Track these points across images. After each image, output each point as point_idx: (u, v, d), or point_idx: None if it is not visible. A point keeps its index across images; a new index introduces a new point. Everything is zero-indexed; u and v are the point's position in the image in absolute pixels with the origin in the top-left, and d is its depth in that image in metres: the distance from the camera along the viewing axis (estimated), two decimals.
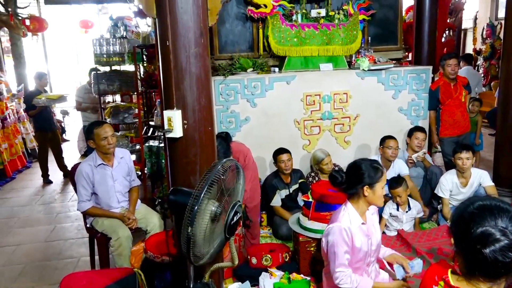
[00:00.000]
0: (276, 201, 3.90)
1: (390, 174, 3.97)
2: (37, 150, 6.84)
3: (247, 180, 3.47)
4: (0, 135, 6.39)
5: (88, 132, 3.26)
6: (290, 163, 3.90)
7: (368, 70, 4.31)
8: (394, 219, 3.66)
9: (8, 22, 7.72)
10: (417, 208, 3.69)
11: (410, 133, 4.29)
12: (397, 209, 3.61)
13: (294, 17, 4.24)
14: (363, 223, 2.34)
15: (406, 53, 5.40)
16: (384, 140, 4.03)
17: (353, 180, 2.31)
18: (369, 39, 4.57)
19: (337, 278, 2.27)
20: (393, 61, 4.52)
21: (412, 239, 3.34)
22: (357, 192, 2.31)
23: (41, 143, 6.38)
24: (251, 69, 4.18)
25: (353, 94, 4.35)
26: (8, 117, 6.76)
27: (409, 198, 3.67)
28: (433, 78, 4.69)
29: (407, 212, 3.61)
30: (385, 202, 3.63)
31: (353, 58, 4.48)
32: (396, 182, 3.61)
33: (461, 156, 3.67)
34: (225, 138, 3.37)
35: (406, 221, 3.62)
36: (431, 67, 4.60)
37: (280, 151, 3.92)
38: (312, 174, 4.12)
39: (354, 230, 2.28)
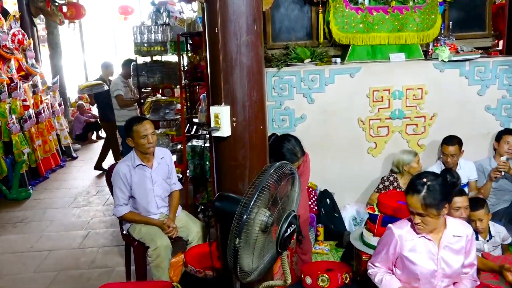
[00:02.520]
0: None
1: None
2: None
3: (303, 186, 3.47)
4: (34, 131, 6.78)
5: (127, 129, 3.38)
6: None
7: (449, 61, 4.16)
8: None
9: (44, 8, 8.20)
10: (501, 235, 3.45)
11: (499, 136, 4.11)
12: (477, 238, 3.40)
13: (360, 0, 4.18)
14: (426, 238, 2.38)
15: (496, 41, 5.17)
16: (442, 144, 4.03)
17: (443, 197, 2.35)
18: (450, 24, 4.41)
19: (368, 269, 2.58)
20: (480, 51, 4.34)
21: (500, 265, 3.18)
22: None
23: (107, 132, 7.07)
24: (309, 59, 4.16)
25: (429, 89, 4.22)
26: (42, 111, 7.17)
27: (491, 223, 3.46)
28: None
29: (488, 241, 3.42)
30: None
31: (431, 47, 4.34)
32: (475, 203, 3.41)
33: None
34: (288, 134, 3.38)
35: (488, 251, 3.43)
36: None
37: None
38: (391, 178, 4.02)
39: (409, 240, 2.40)
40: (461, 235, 2.42)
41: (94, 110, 10.38)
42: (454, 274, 2.41)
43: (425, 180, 2.34)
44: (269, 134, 3.50)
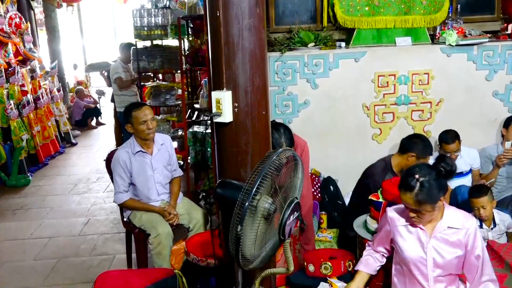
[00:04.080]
0: None
1: (461, 165, 3.94)
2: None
3: (305, 177, 3.46)
4: (32, 117, 6.79)
5: (126, 114, 3.38)
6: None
7: (456, 45, 4.13)
8: None
9: None
10: (506, 223, 3.44)
11: (507, 123, 4.09)
12: (481, 226, 3.41)
13: None
14: (420, 227, 2.41)
15: (505, 25, 5.10)
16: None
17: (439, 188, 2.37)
18: (458, 7, 4.37)
19: None
20: (488, 35, 4.30)
21: (505, 253, 3.18)
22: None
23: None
24: (313, 43, 4.13)
25: (436, 74, 4.20)
26: (41, 97, 7.17)
27: (495, 210, 3.45)
28: None
29: (492, 229, 3.42)
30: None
31: (438, 31, 4.30)
32: (478, 189, 3.40)
33: None
34: (282, 123, 3.36)
35: (493, 239, 3.43)
36: None
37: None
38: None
39: (400, 225, 2.48)
40: (458, 228, 2.38)
41: (94, 96, 10.42)
42: (448, 265, 2.39)
43: (417, 176, 2.31)
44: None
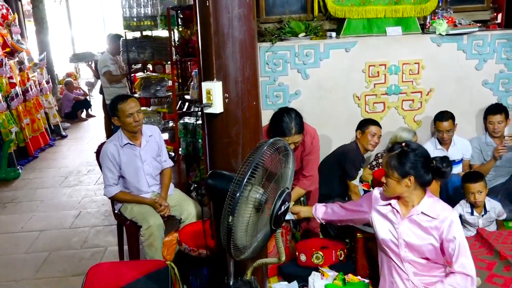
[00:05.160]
0: (356, 181, 3.83)
1: (454, 153, 4.03)
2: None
3: (315, 166, 3.50)
4: (21, 109, 6.73)
5: (112, 108, 3.35)
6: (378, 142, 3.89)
7: (446, 34, 4.14)
8: (467, 225, 3.51)
9: None
10: (496, 210, 3.48)
11: (485, 115, 4.15)
12: (471, 213, 3.44)
13: None
14: (392, 207, 2.48)
15: (495, 14, 5.12)
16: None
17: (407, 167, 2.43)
18: None
19: None
20: (478, 24, 4.31)
21: (494, 240, 3.22)
22: None
23: None
24: (303, 34, 4.12)
25: (426, 64, 4.21)
26: (30, 89, 7.10)
27: (487, 198, 3.48)
28: None
29: (482, 216, 3.45)
30: (456, 203, 3.54)
31: (428, 20, 4.31)
32: (474, 175, 3.44)
33: None
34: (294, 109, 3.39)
35: (483, 227, 3.47)
36: None
37: (372, 121, 3.89)
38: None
39: (378, 204, 2.56)
40: (432, 216, 2.38)
41: (84, 87, 10.34)
42: (421, 250, 2.41)
43: (403, 144, 2.43)
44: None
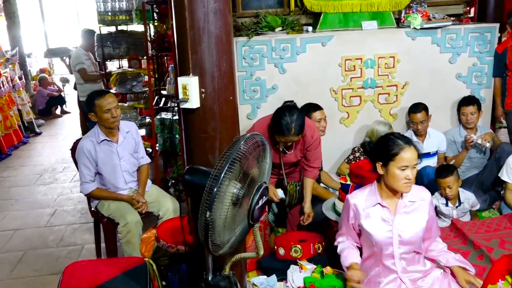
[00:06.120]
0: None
1: (429, 145, 4.09)
2: None
3: (320, 155, 3.52)
4: None
5: (89, 103, 3.31)
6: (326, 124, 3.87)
7: (421, 28, 4.20)
8: (441, 216, 3.59)
9: None
10: (470, 201, 3.56)
11: (458, 107, 4.23)
12: (446, 204, 3.52)
13: None
14: (382, 206, 2.44)
15: (468, 8, 5.21)
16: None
17: (371, 154, 2.48)
18: None
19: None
20: (452, 18, 4.38)
21: (468, 230, 3.30)
22: (377, 170, 2.44)
23: None
24: (280, 28, 4.13)
25: (401, 57, 4.27)
26: (1, 85, 6.94)
27: (461, 190, 3.57)
28: (499, 38, 4.52)
29: (457, 207, 3.53)
30: (432, 192, 3.60)
31: (403, 15, 4.36)
32: (445, 169, 3.51)
33: None
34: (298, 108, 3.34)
35: (457, 217, 3.55)
36: (497, 25, 4.43)
37: (312, 107, 3.84)
38: (362, 149, 4.07)
39: (366, 210, 2.46)
40: (417, 200, 2.48)
41: (58, 83, 10.16)
42: (412, 240, 2.45)
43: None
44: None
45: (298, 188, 3.50)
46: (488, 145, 4.01)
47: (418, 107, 4.09)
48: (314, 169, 3.46)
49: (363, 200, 2.50)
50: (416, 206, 2.49)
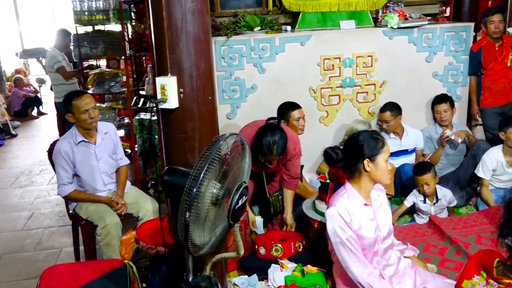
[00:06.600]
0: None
1: (407, 143, 4.14)
2: None
3: (299, 166, 3.54)
4: None
5: (66, 104, 3.27)
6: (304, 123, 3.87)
7: (398, 28, 4.24)
8: (420, 213, 3.64)
9: None
10: (447, 198, 3.62)
11: (432, 105, 4.32)
12: (424, 201, 3.57)
13: None
14: (366, 204, 2.43)
15: (443, 8, 5.30)
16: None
17: (352, 155, 2.41)
18: None
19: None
20: (428, 17, 4.44)
21: (446, 226, 3.35)
22: (358, 169, 2.40)
23: None
24: (259, 28, 4.13)
25: (379, 56, 4.31)
26: None
27: (438, 186, 3.63)
28: (475, 37, 4.60)
29: (434, 203, 3.59)
30: (410, 191, 3.67)
31: (380, 14, 4.40)
32: (422, 167, 3.57)
33: None
34: (281, 128, 3.24)
35: (435, 214, 3.60)
36: (472, 24, 4.51)
37: (291, 106, 3.83)
38: (341, 148, 4.08)
39: (355, 213, 2.39)
40: (379, 193, 2.53)
41: (34, 84, 9.99)
42: (390, 231, 2.50)
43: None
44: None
45: (280, 197, 3.53)
46: (460, 140, 4.08)
47: (384, 107, 4.17)
48: (294, 179, 3.49)
49: (348, 203, 2.41)
50: (382, 198, 2.54)
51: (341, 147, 2.48)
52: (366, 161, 2.36)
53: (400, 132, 4.17)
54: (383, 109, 4.15)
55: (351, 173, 2.45)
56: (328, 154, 2.53)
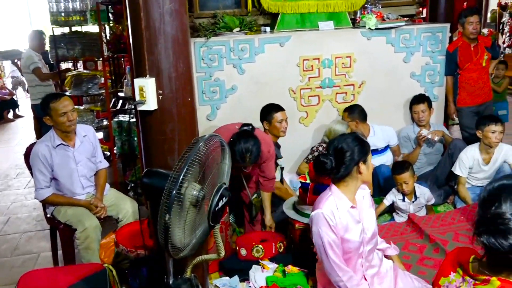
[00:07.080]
0: (276, 175, 3.84)
1: (375, 142, 4.13)
2: None
3: (273, 168, 3.56)
4: None
5: (44, 106, 3.22)
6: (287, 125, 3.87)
7: (376, 29, 4.29)
8: (399, 211, 3.69)
9: None
10: (426, 196, 3.67)
11: (410, 105, 4.37)
12: (403, 200, 3.62)
13: None
14: (352, 207, 2.41)
15: (420, 9, 5.37)
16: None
17: (347, 160, 2.34)
18: None
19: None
20: (405, 18, 4.50)
21: (424, 224, 3.40)
22: (349, 173, 2.36)
23: None
24: (238, 29, 4.13)
25: (357, 57, 4.35)
26: None
27: (416, 185, 3.68)
28: (451, 38, 4.69)
29: (413, 202, 3.64)
30: (387, 192, 3.72)
31: (358, 15, 4.44)
32: (401, 166, 3.61)
33: (495, 129, 3.67)
34: (255, 136, 3.22)
35: (414, 212, 3.65)
36: (448, 25, 4.58)
37: (274, 108, 3.84)
38: (320, 148, 4.10)
39: (341, 216, 2.35)
40: (364, 193, 2.53)
41: (9, 86, 9.82)
42: (374, 232, 2.49)
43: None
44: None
45: (260, 197, 3.54)
46: (436, 139, 4.14)
47: (348, 108, 4.23)
48: (270, 181, 3.50)
49: (335, 206, 2.37)
50: (367, 199, 2.53)
51: (324, 151, 2.44)
52: (361, 164, 2.35)
53: (365, 132, 4.13)
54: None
55: (340, 177, 2.39)
56: (322, 162, 2.37)
